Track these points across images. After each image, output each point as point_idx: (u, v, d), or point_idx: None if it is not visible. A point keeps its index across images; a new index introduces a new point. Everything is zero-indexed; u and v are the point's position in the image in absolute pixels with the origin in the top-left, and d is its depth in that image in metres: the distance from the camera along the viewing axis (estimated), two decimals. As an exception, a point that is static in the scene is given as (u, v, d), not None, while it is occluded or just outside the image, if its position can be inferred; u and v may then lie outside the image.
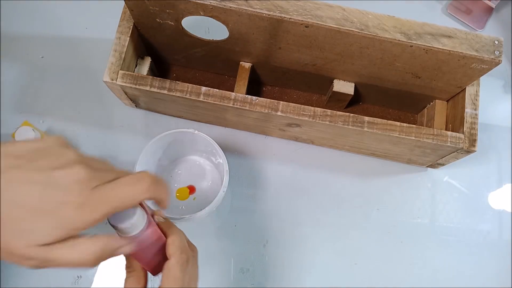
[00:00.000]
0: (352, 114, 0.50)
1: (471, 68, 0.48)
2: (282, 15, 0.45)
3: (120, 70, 0.51)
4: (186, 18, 0.49)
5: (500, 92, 0.67)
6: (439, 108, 0.57)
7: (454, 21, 0.70)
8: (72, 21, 0.67)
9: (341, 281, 0.57)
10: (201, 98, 0.51)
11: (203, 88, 0.51)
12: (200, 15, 0.48)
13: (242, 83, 0.57)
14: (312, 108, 0.50)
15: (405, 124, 0.50)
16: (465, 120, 0.51)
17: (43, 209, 0.26)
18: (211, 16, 0.48)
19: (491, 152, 0.63)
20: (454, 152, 0.52)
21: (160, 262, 0.36)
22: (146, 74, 0.57)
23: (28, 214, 0.26)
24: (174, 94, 0.51)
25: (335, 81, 0.57)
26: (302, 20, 0.45)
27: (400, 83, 0.55)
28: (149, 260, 0.35)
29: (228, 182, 0.51)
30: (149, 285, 0.40)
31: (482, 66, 0.47)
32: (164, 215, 0.37)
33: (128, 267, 0.35)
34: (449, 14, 0.70)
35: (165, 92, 0.51)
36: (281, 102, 0.50)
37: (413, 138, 0.50)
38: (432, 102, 0.58)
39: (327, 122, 0.50)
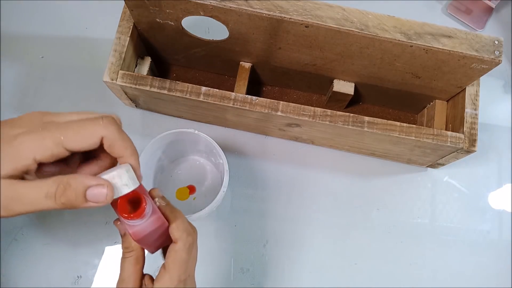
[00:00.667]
0: (352, 114, 0.50)
1: (471, 68, 0.48)
2: (282, 15, 0.45)
3: (120, 70, 0.51)
4: (186, 18, 0.49)
5: (500, 92, 0.67)
6: (439, 108, 0.57)
7: (454, 21, 0.70)
8: (72, 21, 0.67)
9: (341, 281, 0.57)
10: (201, 98, 0.51)
11: (203, 88, 0.51)
12: (200, 15, 0.48)
13: (242, 83, 0.57)
14: (312, 108, 0.50)
15: (405, 124, 0.50)
16: (465, 120, 0.51)
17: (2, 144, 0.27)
18: (211, 16, 0.48)
19: (491, 152, 0.63)
20: (454, 152, 0.52)
21: (161, 243, 0.36)
22: (146, 74, 0.57)
23: None
24: (174, 94, 0.51)
25: (335, 81, 0.57)
26: (302, 20, 0.45)
27: (400, 83, 0.55)
28: (150, 243, 0.35)
29: (228, 182, 0.51)
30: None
31: (482, 66, 0.47)
32: (167, 200, 0.37)
33: (126, 247, 0.35)
34: (449, 14, 0.70)
35: (165, 92, 0.51)
36: (281, 102, 0.50)
37: (413, 138, 0.50)
38: (432, 102, 0.58)
39: (327, 122, 0.50)
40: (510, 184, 0.62)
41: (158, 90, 0.51)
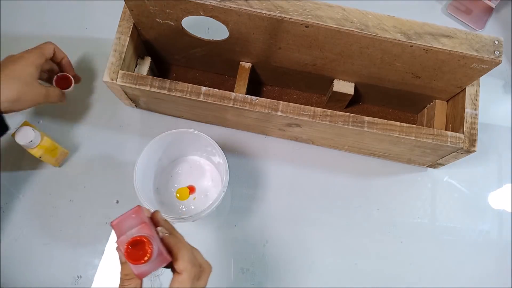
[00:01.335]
0: (352, 114, 0.50)
1: (471, 68, 0.48)
2: (282, 15, 0.45)
3: (120, 70, 0.51)
4: (186, 18, 0.49)
5: (500, 92, 0.67)
6: (439, 108, 0.57)
7: (454, 21, 0.70)
8: (72, 21, 0.67)
9: (341, 281, 0.57)
10: (201, 98, 0.51)
11: (203, 88, 0.51)
12: (200, 15, 0.48)
13: (242, 83, 0.57)
14: (312, 108, 0.50)
15: (405, 124, 0.50)
16: (465, 120, 0.51)
17: None
18: (211, 16, 0.48)
19: (491, 152, 0.63)
20: (454, 152, 0.52)
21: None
22: (146, 74, 0.57)
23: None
24: (174, 94, 0.51)
25: (335, 81, 0.57)
26: (302, 20, 0.45)
27: (400, 83, 0.55)
28: (150, 273, 0.36)
29: (228, 182, 0.51)
30: (149, 285, 0.40)
31: (482, 66, 0.47)
32: (169, 224, 0.37)
33: (126, 274, 0.35)
34: (449, 14, 0.70)
35: (165, 92, 0.51)
36: (281, 102, 0.50)
37: (413, 138, 0.50)
38: (432, 102, 0.58)
39: (327, 122, 0.50)
40: (510, 184, 0.62)
41: (158, 90, 0.51)
